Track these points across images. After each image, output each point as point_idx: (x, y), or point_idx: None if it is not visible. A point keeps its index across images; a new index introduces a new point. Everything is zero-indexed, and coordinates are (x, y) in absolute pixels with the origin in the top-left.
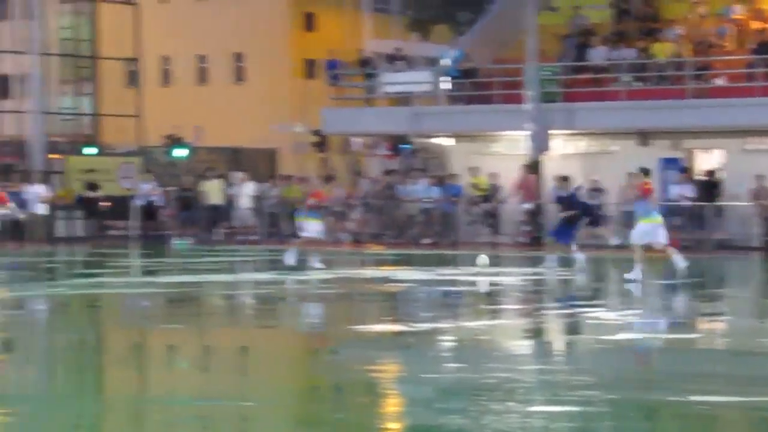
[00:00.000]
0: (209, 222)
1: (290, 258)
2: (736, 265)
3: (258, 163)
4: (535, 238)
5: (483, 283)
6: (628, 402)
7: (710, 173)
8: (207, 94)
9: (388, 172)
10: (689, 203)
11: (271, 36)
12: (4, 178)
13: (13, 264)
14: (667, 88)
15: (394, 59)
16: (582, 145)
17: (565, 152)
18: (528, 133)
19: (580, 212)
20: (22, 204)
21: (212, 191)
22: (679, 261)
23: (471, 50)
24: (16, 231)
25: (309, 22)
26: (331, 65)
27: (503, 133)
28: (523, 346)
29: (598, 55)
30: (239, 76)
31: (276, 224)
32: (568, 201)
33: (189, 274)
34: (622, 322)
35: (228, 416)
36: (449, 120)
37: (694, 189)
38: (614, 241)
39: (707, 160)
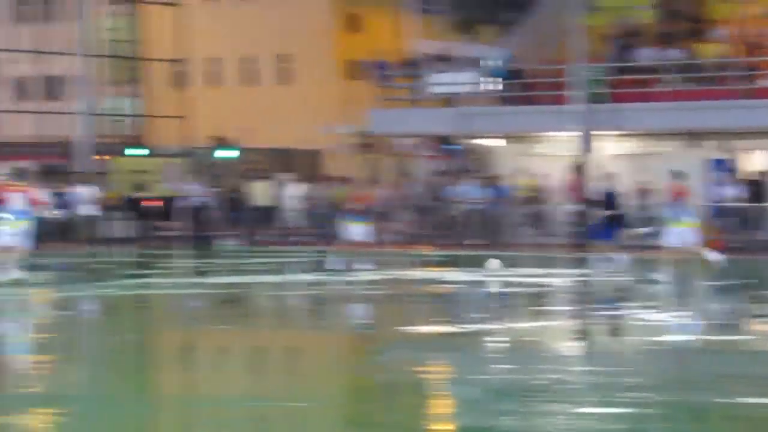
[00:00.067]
0: (256, 223)
1: (335, 262)
2: None
3: (303, 164)
4: (583, 239)
5: (531, 285)
6: (676, 404)
7: (759, 174)
8: (253, 95)
9: (440, 173)
10: (737, 204)
11: (315, 37)
12: (51, 179)
13: (61, 265)
14: (714, 89)
15: (440, 60)
16: (630, 146)
17: (614, 153)
18: (573, 134)
19: (621, 212)
20: (65, 205)
21: (259, 192)
22: (715, 257)
23: (516, 51)
24: (65, 232)
25: (353, 24)
26: (380, 66)
27: (548, 134)
28: (572, 347)
29: (644, 55)
30: (284, 77)
31: (324, 225)
32: (607, 199)
33: (237, 275)
34: (669, 323)
35: (278, 417)
36: (497, 121)
37: (743, 190)
38: (658, 241)
39: (755, 160)
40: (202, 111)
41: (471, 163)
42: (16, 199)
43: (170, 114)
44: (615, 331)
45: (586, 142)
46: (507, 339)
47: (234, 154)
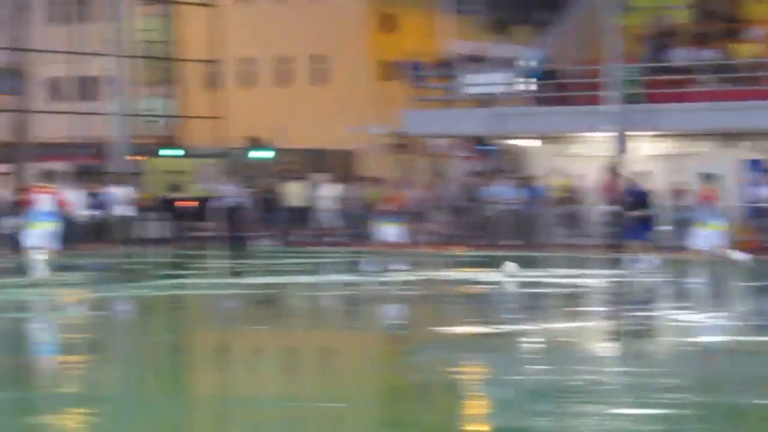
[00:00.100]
0: (290, 224)
1: (370, 264)
2: None
3: (337, 164)
4: (617, 239)
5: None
6: (711, 405)
7: None
8: (287, 95)
9: (474, 174)
10: None
11: (349, 37)
12: (85, 179)
13: (96, 265)
14: (749, 89)
15: (474, 60)
16: (665, 146)
17: (649, 153)
18: (608, 134)
19: (654, 212)
20: (100, 205)
21: (293, 193)
22: (741, 257)
23: (551, 51)
24: (100, 232)
25: (387, 24)
26: (415, 66)
27: (583, 134)
28: (607, 348)
29: (679, 55)
30: (319, 77)
31: (358, 226)
32: (638, 198)
33: (271, 276)
34: (704, 324)
35: (313, 417)
36: (531, 121)
37: None
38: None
39: None
40: (236, 111)
41: (505, 164)
42: (44, 201)
43: (204, 114)
44: (650, 331)
45: (621, 142)
46: (541, 340)
47: (268, 154)
